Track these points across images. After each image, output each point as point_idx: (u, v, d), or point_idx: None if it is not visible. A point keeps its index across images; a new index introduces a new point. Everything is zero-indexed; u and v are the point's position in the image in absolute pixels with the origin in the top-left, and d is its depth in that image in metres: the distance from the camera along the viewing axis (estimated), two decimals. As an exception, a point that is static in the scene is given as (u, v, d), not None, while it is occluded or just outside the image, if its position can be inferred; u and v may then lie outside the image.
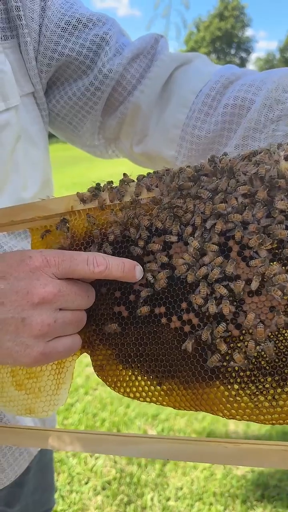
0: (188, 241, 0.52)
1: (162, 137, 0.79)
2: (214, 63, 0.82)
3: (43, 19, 0.71)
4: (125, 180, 0.59)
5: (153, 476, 1.98)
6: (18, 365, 0.49)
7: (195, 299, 0.51)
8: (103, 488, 1.93)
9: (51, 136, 0.88)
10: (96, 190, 0.61)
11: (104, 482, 1.95)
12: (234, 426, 2.24)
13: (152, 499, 1.86)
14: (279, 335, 0.47)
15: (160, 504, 1.84)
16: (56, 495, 1.86)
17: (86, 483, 1.96)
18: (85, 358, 0.60)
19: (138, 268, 0.54)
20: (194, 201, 0.53)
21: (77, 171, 10.43)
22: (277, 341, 0.47)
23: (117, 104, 0.80)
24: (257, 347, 0.47)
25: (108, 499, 1.87)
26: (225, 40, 45.10)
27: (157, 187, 0.57)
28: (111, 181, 0.62)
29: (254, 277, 0.48)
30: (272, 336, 0.47)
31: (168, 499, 1.87)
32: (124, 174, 0.60)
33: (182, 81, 0.77)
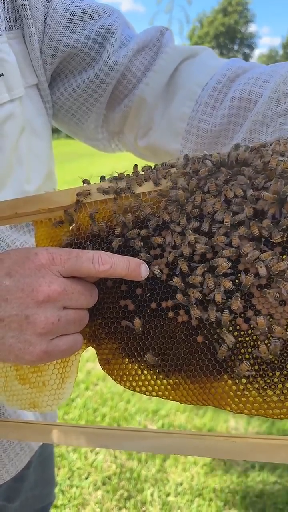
0: (186, 234, 0.52)
1: (167, 131, 0.78)
2: (218, 57, 0.81)
3: (48, 9, 0.70)
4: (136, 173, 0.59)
5: (153, 472, 1.98)
6: (20, 363, 0.49)
7: (193, 292, 0.50)
8: (103, 483, 1.94)
9: (52, 131, 0.87)
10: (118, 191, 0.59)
11: (104, 477, 1.96)
12: (235, 422, 2.24)
13: (152, 495, 1.87)
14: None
15: (160, 499, 1.84)
16: (56, 490, 1.87)
17: (86, 478, 1.97)
18: (86, 353, 0.59)
19: (144, 267, 0.53)
20: (204, 195, 0.52)
21: (79, 166, 10.40)
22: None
23: (122, 97, 0.80)
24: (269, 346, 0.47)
25: (108, 494, 1.88)
26: (228, 36, 44.81)
27: (165, 178, 0.56)
28: (117, 176, 0.61)
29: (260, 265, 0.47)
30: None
31: (168, 495, 1.87)
32: (135, 166, 0.59)
33: (188, 74, 0.76)
